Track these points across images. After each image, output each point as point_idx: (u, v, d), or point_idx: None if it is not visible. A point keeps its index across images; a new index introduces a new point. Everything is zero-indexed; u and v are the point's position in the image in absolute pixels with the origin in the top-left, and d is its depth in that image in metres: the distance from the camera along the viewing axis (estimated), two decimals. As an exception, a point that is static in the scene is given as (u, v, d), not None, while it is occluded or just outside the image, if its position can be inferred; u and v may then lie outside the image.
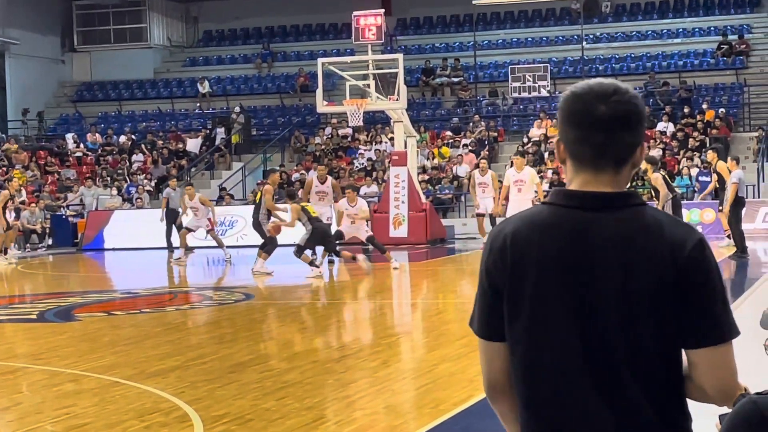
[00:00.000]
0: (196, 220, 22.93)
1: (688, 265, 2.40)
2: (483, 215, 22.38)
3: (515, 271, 2.45)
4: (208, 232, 23.31)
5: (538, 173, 29.48)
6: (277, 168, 29.64)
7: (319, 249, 19.61)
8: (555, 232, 2.44)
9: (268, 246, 18.77)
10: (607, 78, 2.53)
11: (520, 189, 20.29)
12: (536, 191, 20.65)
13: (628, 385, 2.40)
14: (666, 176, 19.58)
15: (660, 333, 2.41)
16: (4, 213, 24.01)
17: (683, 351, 2.47)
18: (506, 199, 20.87)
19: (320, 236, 17.87)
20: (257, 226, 19.28)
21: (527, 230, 2.47)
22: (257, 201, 19.84)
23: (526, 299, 2.44)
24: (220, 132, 35.35)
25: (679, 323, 2.41)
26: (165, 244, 25.69)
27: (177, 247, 23.98)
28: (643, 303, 2.39)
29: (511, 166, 21.61)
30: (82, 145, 35.98)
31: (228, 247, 23.31)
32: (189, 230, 23.15)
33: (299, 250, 17.84)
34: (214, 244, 23.58)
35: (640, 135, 2.49)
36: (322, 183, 21.28)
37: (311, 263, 18.06)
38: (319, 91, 26.04)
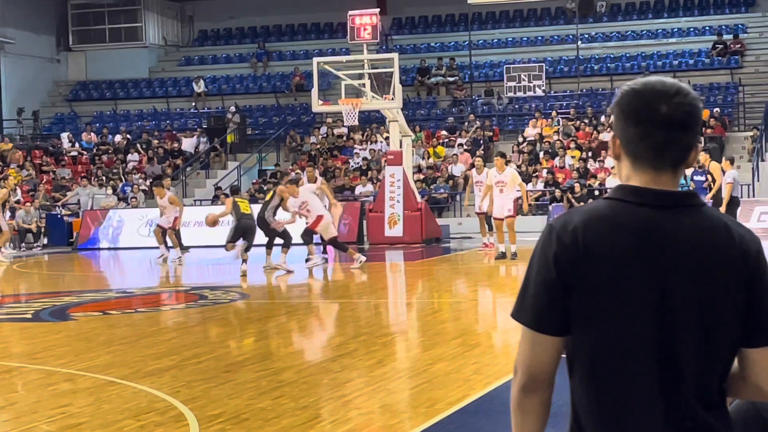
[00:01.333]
0: (166, 218, 23.04)
1: (755, 266, 2.46)
2: (484, 214, 22.39)
3: (590, 265, 2.44)
4: (168, 227, 23.23)
5: (533, 173, 29.58)
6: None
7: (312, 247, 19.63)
8: (628, 228, 2.45)
9: (285, 241, 19.01)
10: (666, 76, 2.53)
11: (502, 189, 20.40)
12: (519, 190, 20.77)
13: (692, 384, 2.43)
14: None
15: (730, 333, 2.45)
16: (3, 212, 23.99)
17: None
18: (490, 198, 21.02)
19: (242, 230, 18.94)
20: (262, 222, 19.33)
21: (598, 224, 2.46)
22: (267, 199, 19.94)
23: (602, 294, 2.44)
24: (203, 142, 35.20)
25: (745, 323, 2.46)
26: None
27: (172, 247, 23.98)
28: (719, 304, 2.44)
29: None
30: (77, 145, 35.93)
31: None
32: (162, 228, 23.17)
33: (226, 243, 19.11)
34: (209, 243, 23.51)
35: (696, 136, 2.52)
36: (312, 184, 21.28)
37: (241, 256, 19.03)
38: (315, 91, 26.04)
